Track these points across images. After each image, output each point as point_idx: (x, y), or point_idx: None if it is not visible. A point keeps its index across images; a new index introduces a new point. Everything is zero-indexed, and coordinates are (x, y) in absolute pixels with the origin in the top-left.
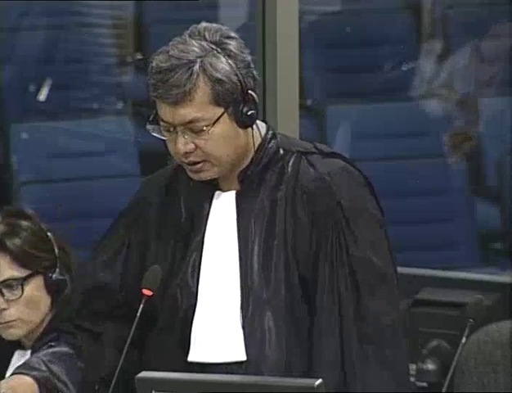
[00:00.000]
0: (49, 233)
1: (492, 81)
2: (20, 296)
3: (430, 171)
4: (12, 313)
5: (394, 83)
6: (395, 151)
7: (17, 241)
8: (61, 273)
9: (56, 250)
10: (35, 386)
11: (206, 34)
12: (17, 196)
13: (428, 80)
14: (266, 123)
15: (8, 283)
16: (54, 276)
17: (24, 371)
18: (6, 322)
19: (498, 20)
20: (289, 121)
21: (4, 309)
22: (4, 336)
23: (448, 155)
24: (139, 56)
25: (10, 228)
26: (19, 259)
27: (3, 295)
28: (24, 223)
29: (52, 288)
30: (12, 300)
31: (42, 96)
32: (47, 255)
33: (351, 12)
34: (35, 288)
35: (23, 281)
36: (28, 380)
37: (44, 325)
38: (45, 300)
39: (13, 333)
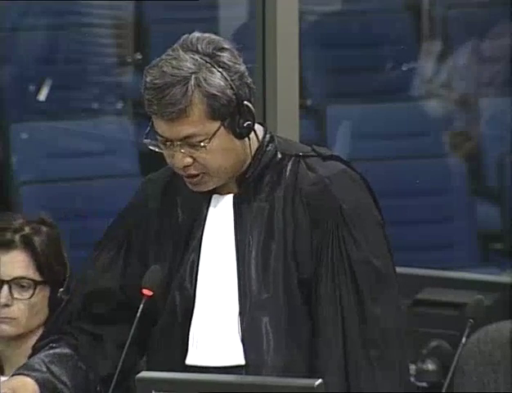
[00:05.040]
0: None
1: (492, 81)
2: (29, 298)
3: (430, 171)
4: (14, 311)
5: (394, 83)
6: (395, 151)
7: (42, 242)
8: (66, 292)
9: (68, 268)
10: (36, 387)
11: (199, 46)
12: (17, 195)
13: (428, 80)
14: (263, 125)
15: (21, 282)
16: (60, 293)
17: (24, 372)
18: (3, 318)
19: (498, 20)
20: (289, 121)
21: (7, 306)
22: None
23: (448, 155)
24: (139, 56)
25: (35, 230)
26: (39, 261)
27: (11, 291)
28: (45, 229)
29: (53, 304)
30: (19, 299)
31: (42, 96)
32: (61, 268)
33: (351, 12)
34: (42, 297)
35: (37, 284)
36: (28, 381)
37: (30, 340)
38: (44, 313)
39: (5, 330)
